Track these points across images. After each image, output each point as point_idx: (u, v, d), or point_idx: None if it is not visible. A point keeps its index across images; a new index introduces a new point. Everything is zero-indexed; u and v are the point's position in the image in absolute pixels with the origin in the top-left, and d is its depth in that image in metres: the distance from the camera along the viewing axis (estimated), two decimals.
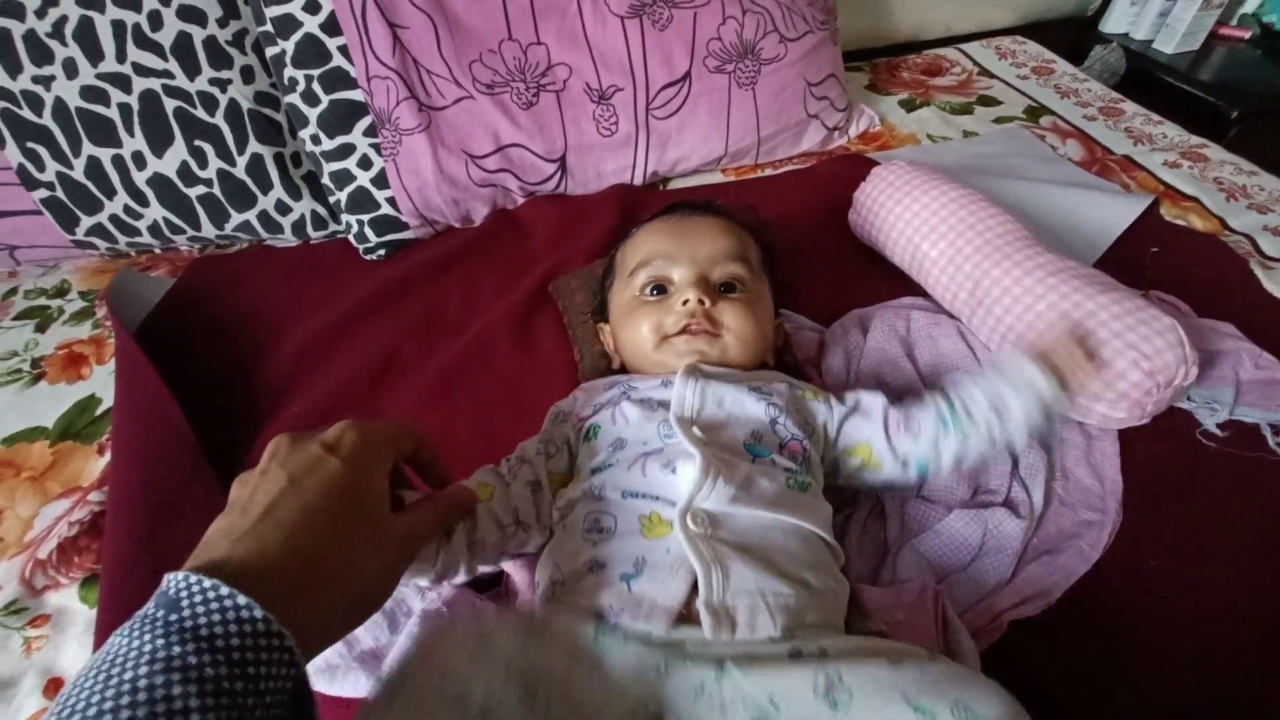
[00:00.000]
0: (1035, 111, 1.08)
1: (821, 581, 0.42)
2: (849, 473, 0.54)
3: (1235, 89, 1.18)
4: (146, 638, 0.25)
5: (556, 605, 0.41)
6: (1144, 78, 1.25)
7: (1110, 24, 1.36)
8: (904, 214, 0.73)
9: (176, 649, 0.25)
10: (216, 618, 0.26)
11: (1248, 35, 1.30)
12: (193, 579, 0.27)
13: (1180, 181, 0.90)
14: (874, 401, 0.54)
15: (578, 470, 0.50)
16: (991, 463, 0.55)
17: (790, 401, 0.51)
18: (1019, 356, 0.52)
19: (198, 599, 0.26)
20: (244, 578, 0.28)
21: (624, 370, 0.61)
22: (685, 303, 0.54)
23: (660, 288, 0.57)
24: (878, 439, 0.52)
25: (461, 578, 0.43)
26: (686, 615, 0.39)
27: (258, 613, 0.26)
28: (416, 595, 0.45)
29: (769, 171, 1.00)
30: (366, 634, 0.43)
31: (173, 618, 0.26)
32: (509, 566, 0.50)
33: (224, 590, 0.26)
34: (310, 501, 0.31)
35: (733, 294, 0.56)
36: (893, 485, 0.54)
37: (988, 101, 1.11)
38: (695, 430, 0.47)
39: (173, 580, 0.27)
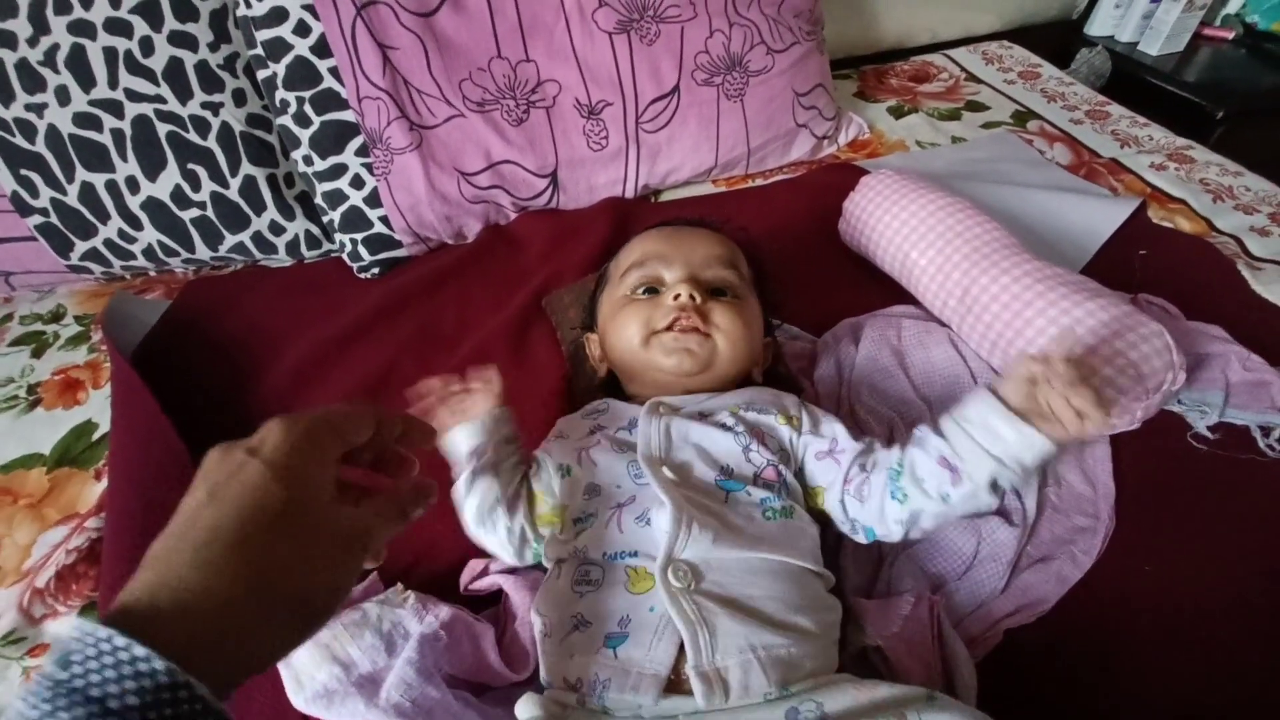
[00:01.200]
0: (1022, 116, 1.09)
1: (813, 621, 0.41)
2: (809, 507, 0.51)
3: (1220, 89, 1.19)
4: (32, 700, 0.23)
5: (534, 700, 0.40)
6: (1129, 80, 1.27)
7: (1095, 27, 1.37)
8: (893, 223, 0.73)
9: (64, 715, 0.22)
10: (111, 674, 0.23)
11: (1231, 35, 1.31)
12: (87, 629, 0.24)
13: (1167, 184, 0.90)
14: (847, 450, 0.50)
15: (562, 518, 0.49)
16: (974, 515, 0.47)
17: (757, 430, 0.50)
18: (987, 401, 0.43)
19: (90, 653, 0.24)
20: (150, 607, 0.26)
21: (609, 380, 0.61)
22: (676, 297, 0.53)
23: (652, 289, 0.57)
24: (834, 491, 0.49)
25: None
26: (675, 680, 0.38)
27: (158, 664, 0.24)
28: (414, 619, 0.45)
29: (759, 181, 1.01)
30: (364, 658, 0.43)
31: (61, 676, 0.23)
32: (508, 586, 0.50)
33: (119, 641, 0.24)
34: (225, 514, 0.29)
35: (724, 297, 0.56)
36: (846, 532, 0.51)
37: (975, 107, 1.12)
38: (665, 471, 0.46)
39: (72, 628, 0.25)
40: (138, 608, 0.26)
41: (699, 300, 0.53)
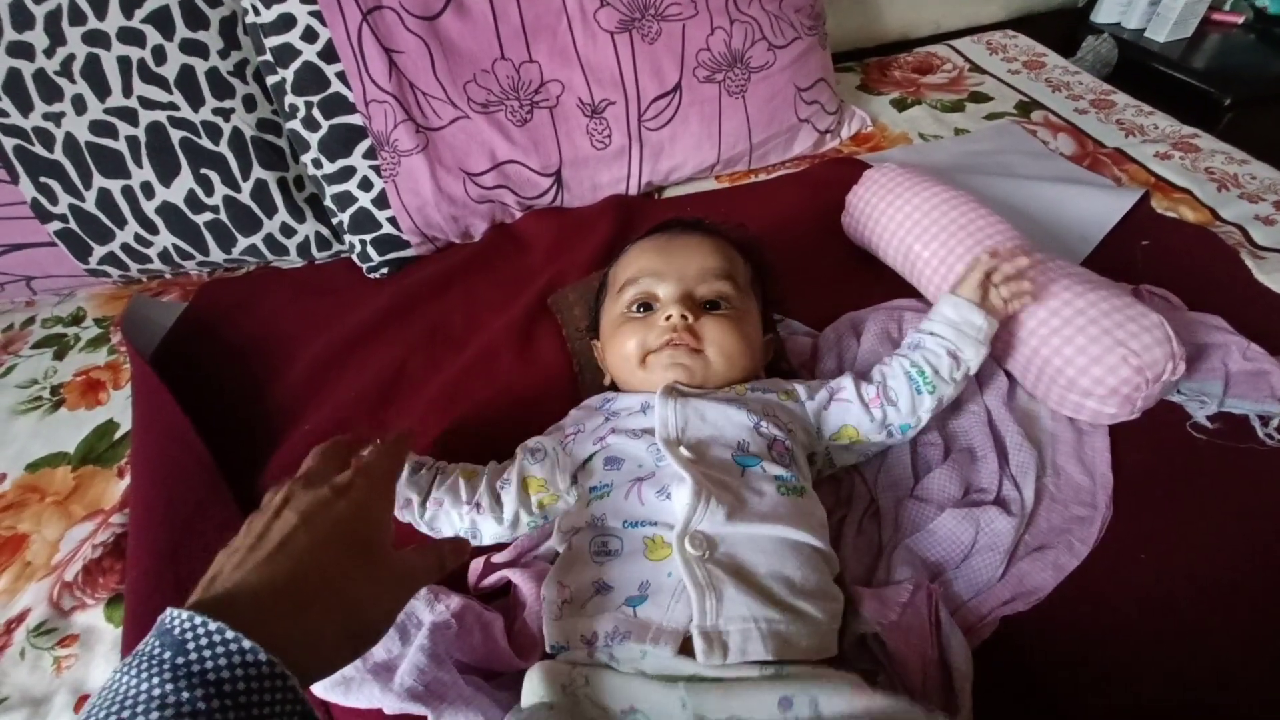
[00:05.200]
0: (1026, 106, 1.08)
1: (815, 607, 0.43)
2: (843, 457, 0.57)
3: (1228, 76, 1.18)
4: (155, 680, 0.26)
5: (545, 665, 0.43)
6: (1136, 67, 1.26)
7: (1101, 14, 1.36)
8: (895, 216, 0.74)
9: (185, 694, 0.26)
10: (223, 661, 0.27)
11: (1240, 20, 1.30)
12: (198, 620, 0.28)
13: (1171, 173, 0.90)
14: (844, 385, 0.56)
15: (579, 494, 0.52)
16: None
17: (766, 408, 0.53)
18: (963, 303, 0.56)
19: (204, 642, 0.27)
20: (252, 608, 0.30)
21: (615, 386, 0.62)
22: (668, 318, 0.55)
23: (646, 305, 0.58)
24: (861, 419, 0.55)
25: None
26: (685, 640, 0.40)
27: (263, 656, 0.27)
28: (426, 608, 0.47)
29: (763, 176, 1.01)
30: (380, 648, 0.45)
31: (179, 660, 0.27)
32: (516, 578, 0.52)
33: (229, 634, 0.27)
34: (320, 537, 0.34)
35: (718, 311, 0.57)
36: (881, 449, 0.58)
37: (979, 98, 1.12)
38: (683, 450, 0.48)
39: (177, 619, 0.28)
40: (241, 606, 0.30)
41: (691, 320, 0.55)
